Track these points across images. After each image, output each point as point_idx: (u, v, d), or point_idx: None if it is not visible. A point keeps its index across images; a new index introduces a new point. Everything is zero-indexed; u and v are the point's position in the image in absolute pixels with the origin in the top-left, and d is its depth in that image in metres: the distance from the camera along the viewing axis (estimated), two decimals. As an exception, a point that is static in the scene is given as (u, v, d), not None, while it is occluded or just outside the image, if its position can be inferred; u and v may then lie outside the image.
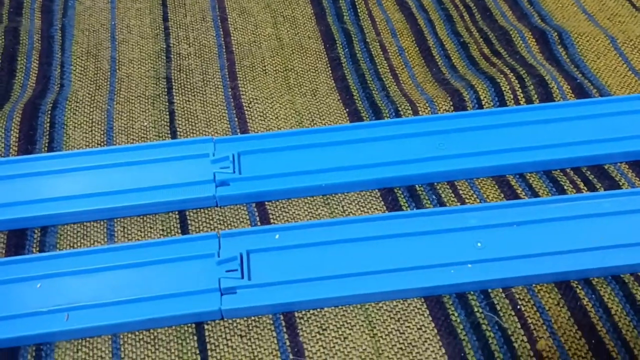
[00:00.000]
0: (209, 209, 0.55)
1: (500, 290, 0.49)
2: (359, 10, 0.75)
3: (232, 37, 0.72)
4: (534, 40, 0.70)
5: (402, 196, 0.55)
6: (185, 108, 0.64)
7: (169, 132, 0.62)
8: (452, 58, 0.69)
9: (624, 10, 0.74)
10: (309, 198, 0.56)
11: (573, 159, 0.57)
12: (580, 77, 0.65)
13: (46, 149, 0.60)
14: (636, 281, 0.49)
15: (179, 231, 0.54)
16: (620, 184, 0.56)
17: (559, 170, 0.57)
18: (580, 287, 0.49)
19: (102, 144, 0.61)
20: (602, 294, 0.48)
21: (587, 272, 0.49)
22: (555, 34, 0.70)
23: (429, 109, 0.62)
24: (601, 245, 0.50)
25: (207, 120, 0.63)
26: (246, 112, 0.63)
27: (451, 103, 0.62)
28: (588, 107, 0.61)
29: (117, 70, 0.69)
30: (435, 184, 0.56)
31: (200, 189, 0.55)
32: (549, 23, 0.72)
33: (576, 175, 0.56)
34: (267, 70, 0.68)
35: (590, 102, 0.61)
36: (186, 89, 0.66)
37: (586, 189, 0.55)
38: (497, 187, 0.56)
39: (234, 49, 0.71)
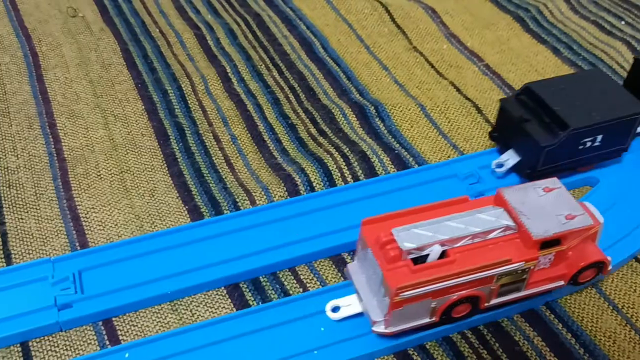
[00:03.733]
0: (54, 335, 0.54)
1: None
2: (189, 102, 0.77)
3: (62, 143, 0.71)
4: (354, 115, 0.76)
5: (248, 290, 0.58)
6: (18, 227, 0.62)
7: (2, 256, 0.60)
8: (283, 141, 0.73)
9: (430, 78, 0.82)
10: (156, 307, 0.56)
11: (399, 230, 0.62)
12: (398, 147, 0.72)
13: None
14: (463, 339, 0.55)
15: (23, 366, 0.52)
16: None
17: (387, 242, 0.62)
18: (416, 354, 0.54)
19: None
20: (436, 356, 0.54)
21: (422, 339, 0.54)
22: (372, 107, 0.77)
23: (265, 197, 0.65)
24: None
25: (44, 237, 0.62)
26: (84, 223, 0.63)
27: (285, 189, 0.66)
28: (407, 177, 0.67)
29: (-61, 194, 0.65)
30: (278, 272, 0.59)
31: (42, 317, 0.54)
32: (366, 97, 0.79)
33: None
34: (102, 175, 0.68)
35: (408, 172, 0.68)
36: (18, 206, 0.64)
37: (413, 256, 0.61)
38: (334, 267, 0.60)
39: (65, 155, 0.70)
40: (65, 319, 0.54)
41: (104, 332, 0.54)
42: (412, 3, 0.94)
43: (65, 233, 0.62)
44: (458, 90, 0.80)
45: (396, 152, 0.71)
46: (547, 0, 0.94)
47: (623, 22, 0.89)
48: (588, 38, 0.87)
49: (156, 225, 0.63)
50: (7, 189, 0.66)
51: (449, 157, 0.71)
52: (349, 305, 0.54)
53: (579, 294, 0.59)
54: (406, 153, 0.71)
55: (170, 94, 0.78)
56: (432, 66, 0.84)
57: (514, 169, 0.66)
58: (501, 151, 0.67)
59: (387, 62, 0.84)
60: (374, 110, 0.76)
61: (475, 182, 0.67)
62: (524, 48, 0.86)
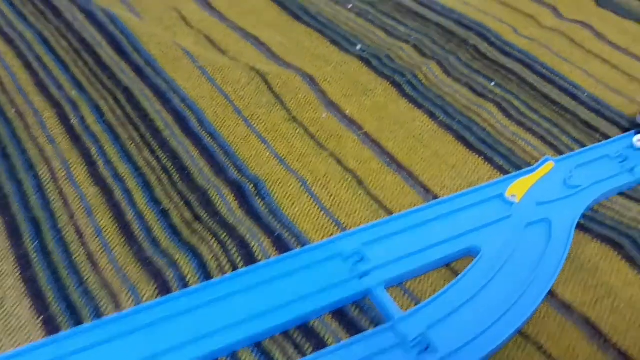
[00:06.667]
0: None
1: None
2: (47, 191, 0.70)
3: None
4: (232, 196, 0.72)
5: (111, 414, 0.51)
6: None
7: None
8: (154, 230, 0.67)
9: (310, 150, 0.80)
10: None
11: (281, 325, 0.58)
12: (279, 227, 0.68)
13: None
14: None
15: None
16: (326, 339, 0.58)
17: (269, 339, 0.58)
18: None
19: None
20: None
21: None
22: (252, 185, 0.73)
23: (132, 299, 0.59)
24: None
25: None
26: None
27: (155, 287, 0.60)
28: (288, 262, 0.63)
29: None
30: (147, 388, 0.53)
31: None
32: (245, 174, 0.75)
33: (285, 340, 0.58)
34: (-60, 288, 0.59)
35: (289, 256, 0.64)
36: None
37: (296, 352, 0.57)
38: (211, 374, 0.55)
39: None
40: None
41: None
42: (290, 71, 0.92)
43: None
44: (339, 161, 0.78)
45: (277, 234, 0.67)
46: (422, 64, 0.95)
47: (493, 83, 0.91)
48: (461, 101, 0.88)
49: (4, 345, 0.55)
50: None
51: (331, 234, 0.68)
52: None
53: (470, 378, 0.56)
54: (288, 234, 0.67)
55: (26, 184, 0.71)
56: (312, 137, 0.81)
57: None
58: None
59: (266, 135, 0.81)
60: (253, 188, 0.72)
61: (359, 260, 0.64)
62: (402, 114, 0.86)
